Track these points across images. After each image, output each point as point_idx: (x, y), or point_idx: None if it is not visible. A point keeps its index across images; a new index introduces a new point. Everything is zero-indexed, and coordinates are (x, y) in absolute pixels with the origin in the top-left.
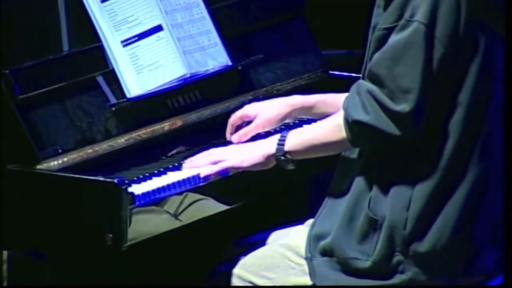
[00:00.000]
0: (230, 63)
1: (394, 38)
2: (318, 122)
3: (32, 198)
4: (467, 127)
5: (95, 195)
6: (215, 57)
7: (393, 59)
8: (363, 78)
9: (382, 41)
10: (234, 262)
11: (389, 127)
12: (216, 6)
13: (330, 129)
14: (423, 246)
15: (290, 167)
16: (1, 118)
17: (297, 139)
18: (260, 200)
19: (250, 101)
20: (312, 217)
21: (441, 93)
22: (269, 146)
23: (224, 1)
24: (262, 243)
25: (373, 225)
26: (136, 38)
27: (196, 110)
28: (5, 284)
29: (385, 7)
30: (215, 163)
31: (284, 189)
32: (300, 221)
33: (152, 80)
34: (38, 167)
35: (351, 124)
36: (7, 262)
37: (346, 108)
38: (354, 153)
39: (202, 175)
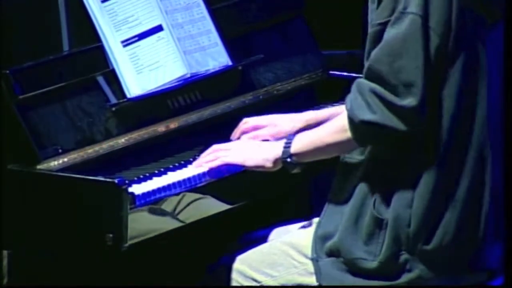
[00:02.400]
0: (230, 63)
1: (390, 32)
2: (324, 124)
3: (32, 198)
4: (458, 119)
5: (95, 195)
6: (215, 57)
7: (393, 54)
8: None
9: (378, 37)
10: (234, 257)
11: (396, 123)
12: (216, 6)
13: (335, 130)
14: (429, 243)
15: (296, 170)
16: (1, 118)
17: (303, 141)
18: (261, 200)
19: (250, 101)
20: (315, 216)
21: (435, 86)
22: (275, 149)
23: (224, 1)
24: (263, 240)
25: (379, 224)
26: (136, 38)
27: (196, 110)
28: (5, 284)
29: (379, 2)
30: (217, 157)
31: (284, 188)
32: (300, 219)
33: (152, 80)
34: (38, 167)
35: (358, 125)
36: (7, 262)
37: (350, 109)
38: (354, 155)
39: (199, 167)
